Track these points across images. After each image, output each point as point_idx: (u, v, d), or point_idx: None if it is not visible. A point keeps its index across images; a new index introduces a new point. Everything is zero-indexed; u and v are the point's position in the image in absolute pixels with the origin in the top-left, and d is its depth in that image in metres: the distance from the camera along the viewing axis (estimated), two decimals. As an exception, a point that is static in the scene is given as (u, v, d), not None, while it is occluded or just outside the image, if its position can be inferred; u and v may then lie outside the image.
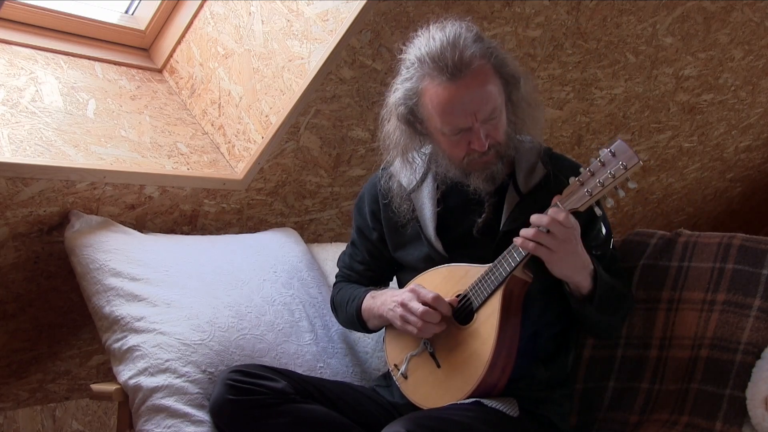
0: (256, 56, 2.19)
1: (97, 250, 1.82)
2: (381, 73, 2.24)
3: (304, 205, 2.48)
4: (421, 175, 1.75)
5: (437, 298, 1.61)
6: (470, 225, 1.70)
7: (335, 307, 1.92)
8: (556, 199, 1.55)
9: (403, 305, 1.63)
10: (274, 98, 2.17)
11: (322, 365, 1.89)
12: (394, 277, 1.92)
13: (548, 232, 1.51)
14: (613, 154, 1.47)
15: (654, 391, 1.83)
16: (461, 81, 1.54)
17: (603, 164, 1.48)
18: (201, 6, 2.26)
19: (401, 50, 1.66)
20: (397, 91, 1.64)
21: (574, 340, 1.81)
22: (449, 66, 1.54)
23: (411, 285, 1.68)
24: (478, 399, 1.58)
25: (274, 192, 2.35)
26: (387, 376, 1.84)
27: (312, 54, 2.09)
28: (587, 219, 1.61)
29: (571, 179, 1.53)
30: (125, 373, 1.66)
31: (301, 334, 1.91)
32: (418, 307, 1.61)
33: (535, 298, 1.65)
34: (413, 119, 1.65)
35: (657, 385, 1.83)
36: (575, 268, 1.58)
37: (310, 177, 2.39)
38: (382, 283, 1.90)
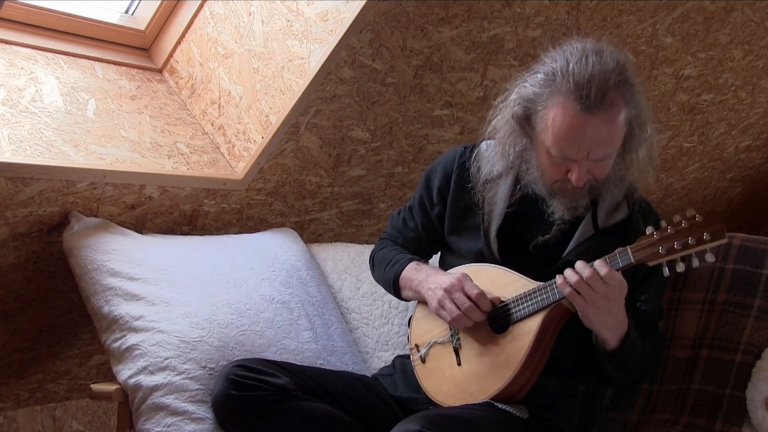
0: (256, 56, 2.19)
1: (96, 251, 1.82)
2: (381, 73, 2.24)
3: (304, 205, 2.48)
4: (504, 168, 1.68)
5: (481, 295, 1.59)
6: (531, 238, 1.66)
7: (374, 262, 1.89)
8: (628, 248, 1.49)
9: (447, 291, 1.61)
10: (274, 98, 2.17)
11: (322, 362, 1.89)
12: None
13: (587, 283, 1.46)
14: (702, 222, 1.42)
15: (654, 391, 1.83)
16: (591, 117, 1.47)
17: (687, 227, 1.43)
18: (201, 6, 2.26)
19: (548, 48, 1.58)
20: (526, 89, 1.57)
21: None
22: (589, 98, 1.46)
23: (459, 272, 1.64)
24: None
25: (274, 192, 2.35)
26: (390, 368, 1.84)
27: (312, 54, 2.09)
28: (650, 269, 1.56)
29: (649, 229, 1.49)
30: (125, 372, 1.66)
31: (300, 332, 1.90)
32: (464, 300, 1.59)
33: (573, 328, 1.61)
34: (525, 122, 1.59)
35: (657, 385, 1.83)
36: (605, 326, 1.54)
37: (310, 177, 2.39)
38: (426, 256, 1.87)
